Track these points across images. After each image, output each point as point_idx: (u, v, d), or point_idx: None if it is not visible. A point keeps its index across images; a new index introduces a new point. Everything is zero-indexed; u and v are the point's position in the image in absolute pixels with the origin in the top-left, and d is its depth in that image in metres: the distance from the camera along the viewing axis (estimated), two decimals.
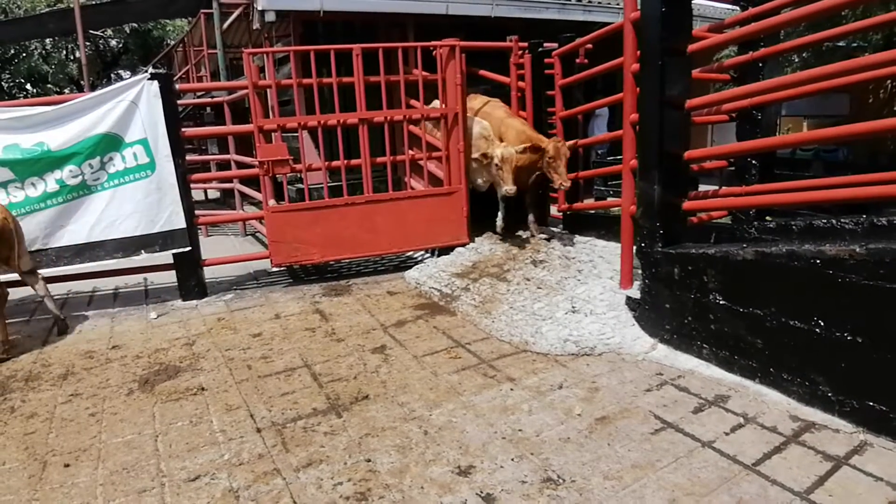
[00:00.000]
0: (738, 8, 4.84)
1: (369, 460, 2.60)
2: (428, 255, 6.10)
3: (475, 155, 5.41)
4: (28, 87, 20.86)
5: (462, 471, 2.50)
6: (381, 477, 2.48)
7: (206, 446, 2.79)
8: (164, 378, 3.59)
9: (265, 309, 4.86)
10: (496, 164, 5.16)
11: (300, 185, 5.97)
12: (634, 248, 3.96)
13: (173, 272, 5.28)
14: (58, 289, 5.62)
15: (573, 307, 4.15)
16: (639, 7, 3.67)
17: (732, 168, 5.13)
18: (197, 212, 5.43)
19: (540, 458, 2.56)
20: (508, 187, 5.10)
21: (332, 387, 3.34)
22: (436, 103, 5.80)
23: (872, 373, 2.59)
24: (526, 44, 6.05)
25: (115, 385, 3.54)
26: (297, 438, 2.82)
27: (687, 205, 3.71)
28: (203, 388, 3.42)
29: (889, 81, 9.46)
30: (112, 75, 22.62)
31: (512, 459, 2.56)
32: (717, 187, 4.96)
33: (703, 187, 4.94)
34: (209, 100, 9.18)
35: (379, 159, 5.64)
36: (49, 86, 20.30)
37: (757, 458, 2.50)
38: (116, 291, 5.66)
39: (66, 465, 2.70)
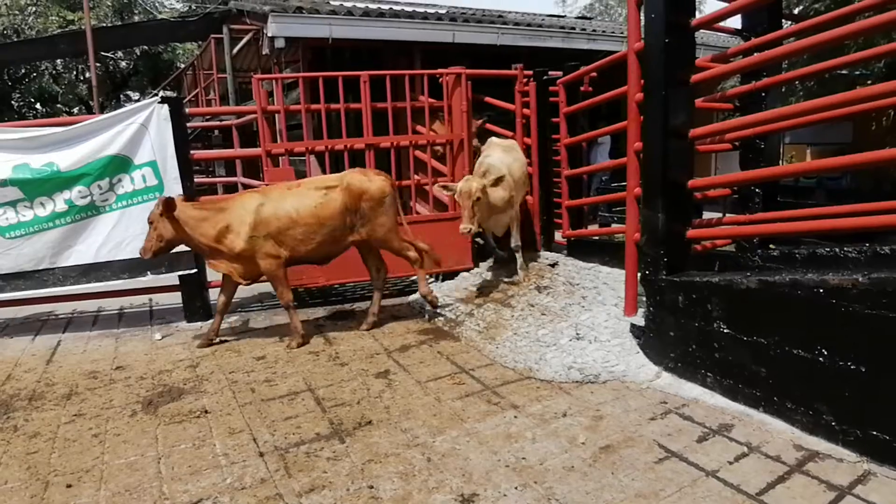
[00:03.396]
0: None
1: (372, 487, 2.59)
2: (432, 279, 6.12)
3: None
4: (38, 106, 21.08)
5: (465, 499, 2.49)
6: None
7: (208, 470, 2.79)
8: (167, 400, 3.60)
9: (269, 332, 4.87)
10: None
11: None
12: (639, 275, 3.97)
13: (178, 293, 5.30)
14: (63, 308, 5.66)
15: (577, 334, 4.15)
16: (643, 38, 3.72)
17: (736, 196, 5.16)
18: None
19: (543, 487, 2.55)
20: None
21: (336, 411, 3.34)
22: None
23: (876, 402, 2.58)
24: (531, 71, 6.13)
25: (118, 406, 3.54)
26: (300, 463, 2.81)
27: (691, 233, 3.73)
28: (206, 411, 3.42)
29: (891, 110, 9.52)
30: (121, 97, 22.89)
31: (515, 488, 2.55)
32: (721, 215, 4.98)
33: (707, 215, 4.96)
34: (218, 123, 9.31)
35: None
36: (59, 106, 20.50)
37: (761, 487, 2.49)
38: (121, 312, 5.68)
39: (69, 486, 2.70)
